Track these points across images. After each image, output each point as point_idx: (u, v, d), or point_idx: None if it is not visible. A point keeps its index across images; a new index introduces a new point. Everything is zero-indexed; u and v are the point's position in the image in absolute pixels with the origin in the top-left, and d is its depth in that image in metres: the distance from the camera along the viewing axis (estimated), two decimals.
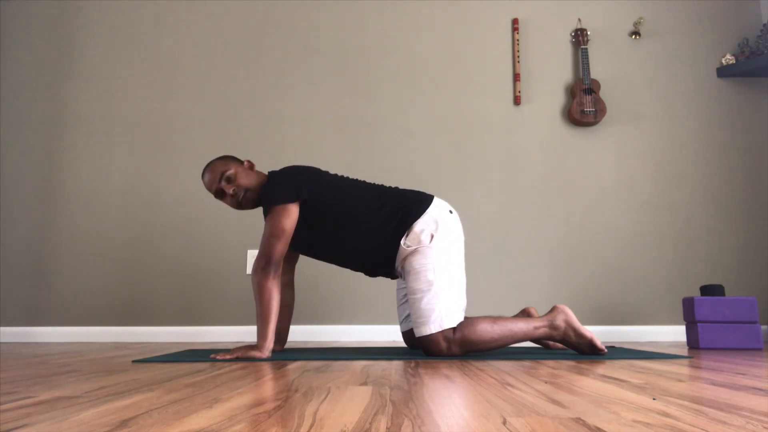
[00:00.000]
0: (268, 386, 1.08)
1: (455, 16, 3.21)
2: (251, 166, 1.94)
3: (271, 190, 1.79)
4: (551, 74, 3.15)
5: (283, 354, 1.87)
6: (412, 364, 1.53)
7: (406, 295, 1.94)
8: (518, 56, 3.13)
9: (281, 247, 1.76)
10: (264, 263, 1.74)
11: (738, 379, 1.22)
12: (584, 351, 1.80)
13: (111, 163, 3.06)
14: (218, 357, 1.69)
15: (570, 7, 3.22)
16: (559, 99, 3.13)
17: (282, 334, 2.05)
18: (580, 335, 1.77)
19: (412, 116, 3.10)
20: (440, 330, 1.71)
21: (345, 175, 2.01)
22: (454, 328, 1.71)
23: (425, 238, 1.79)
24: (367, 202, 1.85)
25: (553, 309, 1.79)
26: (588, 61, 3.07)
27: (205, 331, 2.85)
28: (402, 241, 1.81)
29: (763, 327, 2.83)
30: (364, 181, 1.96)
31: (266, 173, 1.95)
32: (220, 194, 1.89)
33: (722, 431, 0.67)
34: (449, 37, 3.19)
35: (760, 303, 2.86)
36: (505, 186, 3.03)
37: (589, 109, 3.01)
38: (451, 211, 1.90)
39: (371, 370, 1.39)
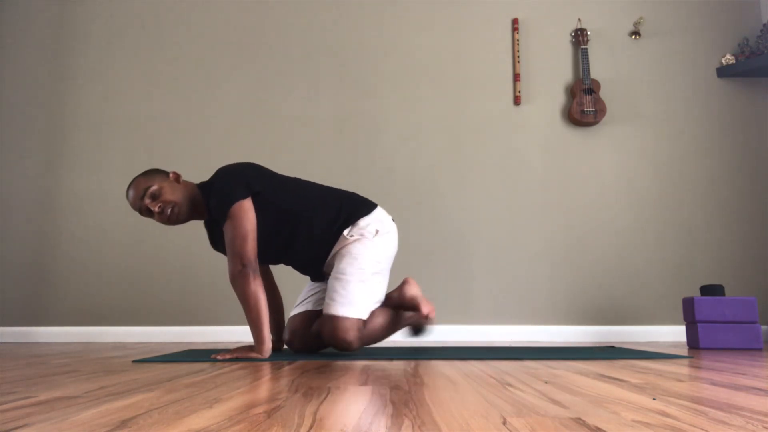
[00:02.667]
0: (268, 386, 1.08)
1: (455, 16, 3.21)
2: (177, 177, 1.80)
3: (220, 193, 1.71)
4: (551, 74, 3.15)
5: (283, 354, 1.87)
6: (412, 364, 1.53)
7: (317, 287, 1.99)
8: (518, 56, 3.13)
9: (251, 246, 1.70)
10: (240, 267, 1.68)
11: (738, 379, 1.22)
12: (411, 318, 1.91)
13: (111, 164, 3.06)
14: (218, 357, 1.69)
15: (570, 7, 3.22)
16: (559, 99, 3.13)
17: (281, 335, 2.04)
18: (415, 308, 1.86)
19: (412, 116, 3.10)
20: (356, 317, 1.73)
21: (288, 175, 1.96)
22: (364, 321, 1.76)
23: (369, 231, 1.82)
24: (316, 201, 1.84)
25: (408, 296, 1.86)
26: (588, 61, 3.07)
27: (205, 331, 2.85)
28: (345, 232, 1.82)
29: (763, 327, 2.83)
30: (309, 181, 1.94)
31: (195, 184, 1.85)
32: (146, 212, 1.74)
33: (722, 431, 0.67)
34: (449, 37, 3.19)
35: (760, 303, 2.86)
36: (505, 186, 3.03)
37: (589, 109, 3.01)
38: (393, 220, 1.95)
39: (371, 370, 1.39)
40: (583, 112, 3.01)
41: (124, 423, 0.71)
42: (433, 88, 3.13)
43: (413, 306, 1.83)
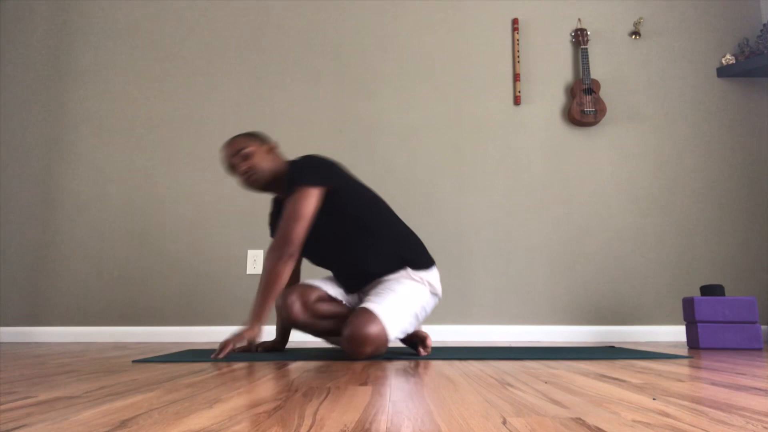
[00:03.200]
0: (268, 386, 1.08)
1: (455, 16, 3.21)
2: (272, 149, 1.89)
3: (298, 171, 1.75)
4: (551, 74, 3.15)
5: (283, 354, 1.87)
6: (412, 364, 1.53)
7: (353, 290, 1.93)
8: (518, 56, 3.13)
9: (300, 230, 1.69)
10: (280, 244, 1.69)
11: (738, 379, 1.21)
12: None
13: (111, 163, 3.06)
14: (220, 356, 1.67)
15: (570, 7, 3.22)
16: (559, 99, 3.13)
17: (286, 334, 2.05)
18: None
19: (412, 116, 3.10)
20: (388, 333, 1.66)
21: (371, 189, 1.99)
22: (387, 343, 1.70)
23: (427, 282, 1.84)
24: (389, 225, 1.86)
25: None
26: (588, 61, 3.07)
27: (205, 331, 2.85)
28: (410, 269, 1.83)
29: (763, 327, 2.83)
30: (385, 202, 1.95)
31: (286, 160, 1.89)
32: (231, 169, 1.86)
33: (722, 431, 0.67)
34: (449, 37, 3.19)
35: (760, 303, 2.86)
36: (505, 186, 3.03)
37: (589, 109, 3.01)
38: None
39: (371, 370, 1.39)
40: (583, 112, 3.01)
41: (124, 423, 0.71)
42: (433, 88, 3.13)
43: (422, 339, 1.84)
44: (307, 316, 1.78)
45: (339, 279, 1.93)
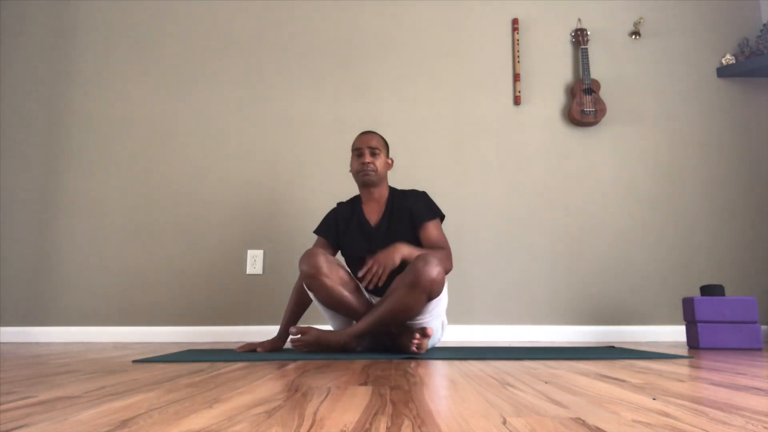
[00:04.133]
0: (268, 386, 1.08)
1: (455, 16, 3.21)
2: (389, 164, 2.21)
3: (433, 204, 2.12)
4: (551, 74, 3.15)
5: (283, 354, 1.87)
6: (412, 364, 1.53)
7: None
8: (518, 56, 3.13)
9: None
10: (450, 266, 1.98)
11: (738, 379, 1.21)
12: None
13: (111, 163, 3.06)
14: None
15: (570, 7, 3.22)
16: (559, 99, 3.12)
17: (288, 329, 2.06)
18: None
19: (412, 116, 3.10)
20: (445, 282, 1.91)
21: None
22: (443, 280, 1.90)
23: (445, 308, 2.11)
24: None
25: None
26: (588, 61, 3.07)
27: (205, 331, 2.85)
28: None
29: (763, 327, 2.83)
30: None
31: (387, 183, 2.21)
32: (359, 153, 2.13)
33: (722, 431, 0.67)
34: (449, 37, 3.19)
35: (760, 303, 2.86)
36: (505, 186, 3.03)
37: (589, 109, 3.01)
38: None
39: (371, 370, 1.39)
40: (583, 112, 3.01)
41: (124, 423, 0.71)
42: (433, 88, 3.13)
43: (422, 329, 1.90)
44: (328, 268, 1.93)
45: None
